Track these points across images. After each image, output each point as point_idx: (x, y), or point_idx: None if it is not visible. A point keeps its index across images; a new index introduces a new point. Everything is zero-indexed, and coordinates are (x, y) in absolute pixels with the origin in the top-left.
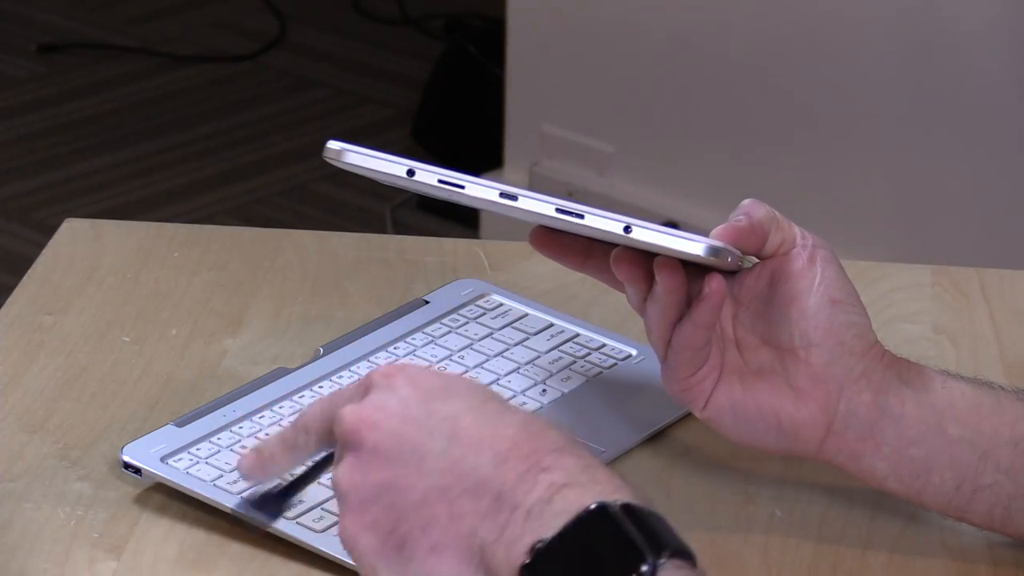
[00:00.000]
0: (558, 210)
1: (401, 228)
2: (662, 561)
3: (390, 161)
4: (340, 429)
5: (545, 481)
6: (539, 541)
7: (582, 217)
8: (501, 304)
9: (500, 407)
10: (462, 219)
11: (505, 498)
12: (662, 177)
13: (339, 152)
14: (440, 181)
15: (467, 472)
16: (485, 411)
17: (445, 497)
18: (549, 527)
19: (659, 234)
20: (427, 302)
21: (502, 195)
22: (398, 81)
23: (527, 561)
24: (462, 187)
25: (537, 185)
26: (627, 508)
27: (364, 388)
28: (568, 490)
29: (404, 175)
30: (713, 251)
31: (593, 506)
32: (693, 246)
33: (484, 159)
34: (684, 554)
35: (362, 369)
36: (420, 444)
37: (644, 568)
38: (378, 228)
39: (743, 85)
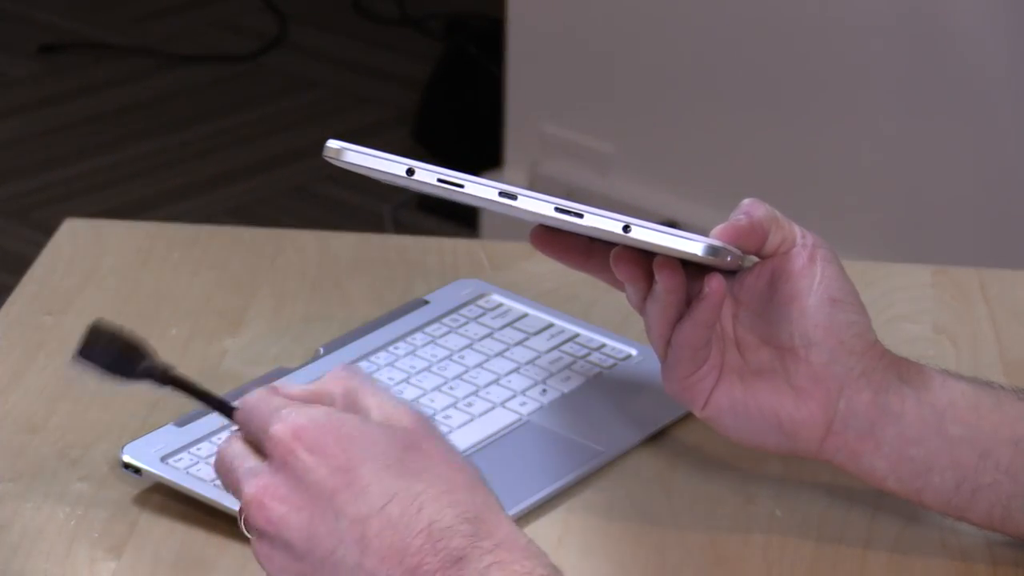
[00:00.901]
0: (557, 209)
1: (401, 228)
2: None
3: (390, 160)
4: (246, 505)
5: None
6: None
7: (581, 216)
8: (501, 304)
9: (409, 486)
10: (462, 219)
11: None
12: (662, 177)
13: (339, 151)
14: (439, 180)
15: None
16: (396, 504)
17: None
18: None
19: (658, 233)
20: (427, 302)
21: (501, 194)
22: (398, 81)
23: None
24: (461, 186)
25: (537, 185)
26: None
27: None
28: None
29: (404, 174)
30: (712, 250)
31: None
32: (692, 245)
33: (484, 159)
34: None
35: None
36: (331, 551)
37: None
38: (378, 228)
39: (743, 85)
